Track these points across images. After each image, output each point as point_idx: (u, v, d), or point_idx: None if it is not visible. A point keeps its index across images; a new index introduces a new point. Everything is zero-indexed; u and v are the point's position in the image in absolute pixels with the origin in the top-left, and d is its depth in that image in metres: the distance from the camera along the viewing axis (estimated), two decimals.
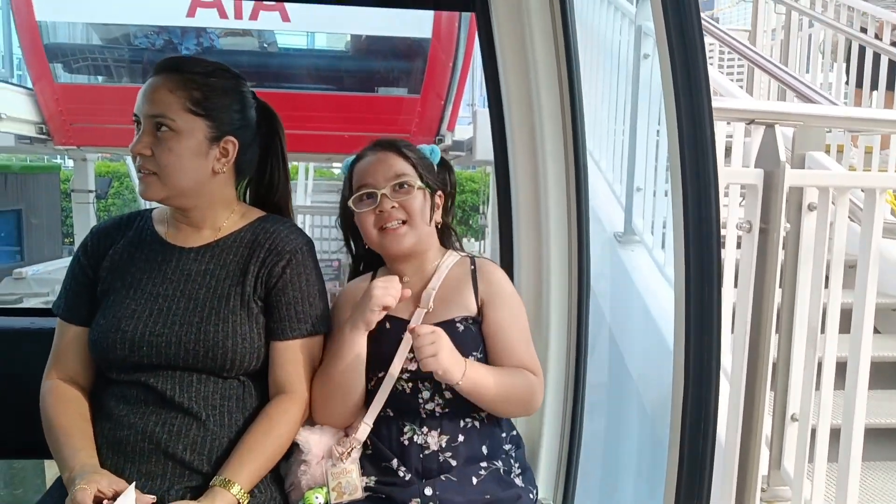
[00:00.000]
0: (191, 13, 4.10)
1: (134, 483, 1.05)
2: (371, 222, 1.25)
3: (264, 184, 1.33)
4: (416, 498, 1.17)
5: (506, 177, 1.58)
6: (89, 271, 1.23)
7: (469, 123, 5.72)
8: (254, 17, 4.20)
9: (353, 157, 1.33)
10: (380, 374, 1.24)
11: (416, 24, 4.32)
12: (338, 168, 13.79)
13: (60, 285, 1.29)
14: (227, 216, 1.25)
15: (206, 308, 1.16)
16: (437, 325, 1.22)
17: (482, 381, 1.18)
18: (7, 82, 4.63)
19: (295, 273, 1.21)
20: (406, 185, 1.25)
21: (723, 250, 1.73)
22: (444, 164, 1.37)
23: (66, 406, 1.16)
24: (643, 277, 2.51)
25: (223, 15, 4.18)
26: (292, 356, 1.21)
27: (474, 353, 1.24)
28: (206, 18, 4.18)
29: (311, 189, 10.55)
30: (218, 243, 1.22)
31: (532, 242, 1.55)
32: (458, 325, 1.24)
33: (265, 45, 4.55)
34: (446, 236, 1.37)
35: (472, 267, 1.31)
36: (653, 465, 2.17)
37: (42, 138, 4.53)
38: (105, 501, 1.02)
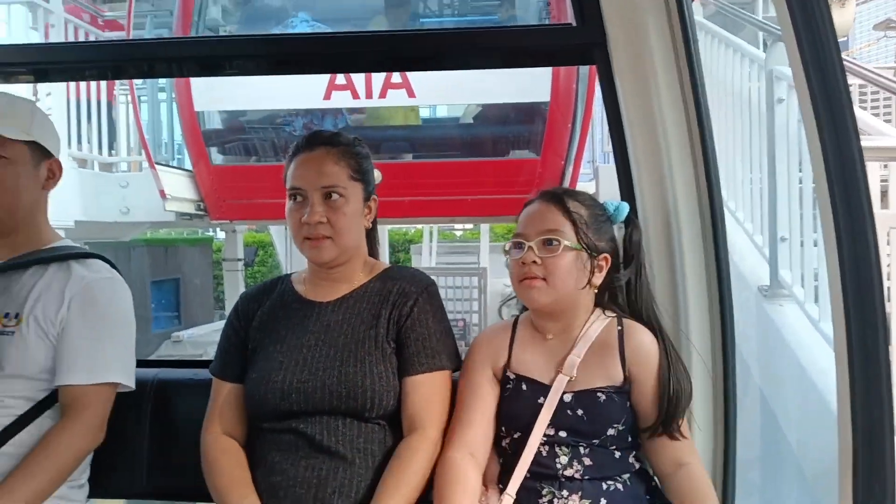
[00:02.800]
0: (327, 96, 4.48)
1: None
2: (515, 272, 1.24)
3: (370, 236, 1.43)
4: None
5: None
6: (241, 333, 1.36)
7: (590, 180, 5.67)
8: (382, 95, 4.50)
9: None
10: (514, 435, 1.23)
11: (534, 88, 4.42)
12: (459, 231, 14.18)
13: (212, 347, 1.42)
14: (361, 269, 1.37)
15: (344, 352, 1.26)
16: (577, 393, 1.20)
17: None
18: (170, 166, 5.23)
19: (422, 311, 1.30)
20: (555, 243, 1.21)
21: (887, 303, 1.57)
22: (630, 223, 1.31)
23: (227, 457, 1.27)
24: (795, 333, 2.32)
25: (355, 95, 4.52)
26: (421, 390, 1.26)
27: (615, 426, 1.19)
28: (341, 100, 4.54)
29: (436, 251, 10.87)
30: (352, 295, 1.33)
31: (668, 301, 1.46)
32: (599, 394, 1.20)
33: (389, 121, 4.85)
34: (609, 297, 1.30)
35: (620, 328, 1.25)
36: None
37: (200, 214, 5.06)
38: None
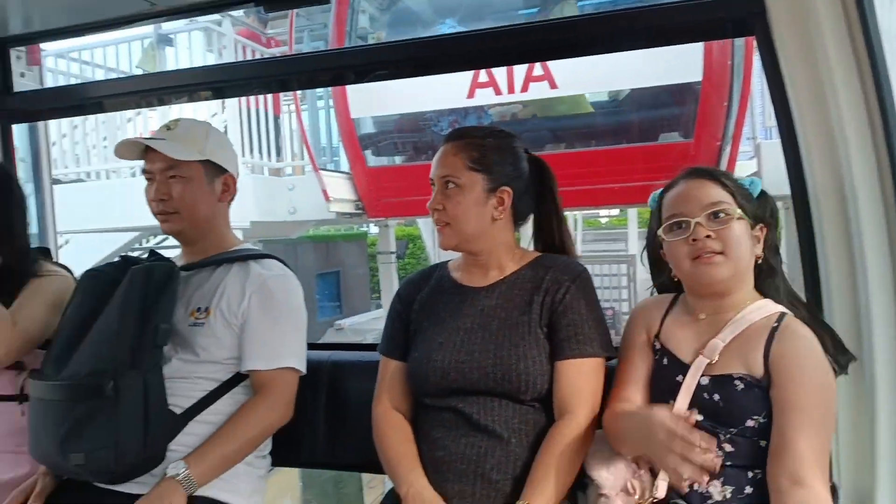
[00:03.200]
0: (470, 94, 4.59)
1: None
2: (684, 253, 1.19)
3: (544, 230, 1.48)
4: None
5: (806, 215, 1.40)
6: (404, 315, 1.47)
7: (751, 158, 5.27)
8: (524, 89, 4.50)
9: (660, 189, 1.30)
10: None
11: (684, 67, 4.18)
12: (605, 217, 13.76)
13: (370, 334, 1.54)
14: (510, 258, 1.41)
15: (499, 336, 1.32)
16: (714, 378, 1.16)
17: None
18: (330, 170, 5.63)
19: (574, 298, 1.32)
20: (723, 214, 1.18)
21: None
22: (764, 198, 1.26)
23: (395, 431, 1.38)
24: None
25: (498, 91, 4.57)
26: (572, 375, 1.29)
27: (755, 417, 1.12)
28: (484, 97, 4.62)
29: (581, 239, 10.68)
30: (504, 281, 1.39)
31: (845, 284, 1.33)
32: (736, 383, 1.14)
33: (535, 114, 4.84)
34: (767, 280, 1.24)
35: (776, 325, 1.16)
36: None
37: (358, 213, 5.42)
38: None
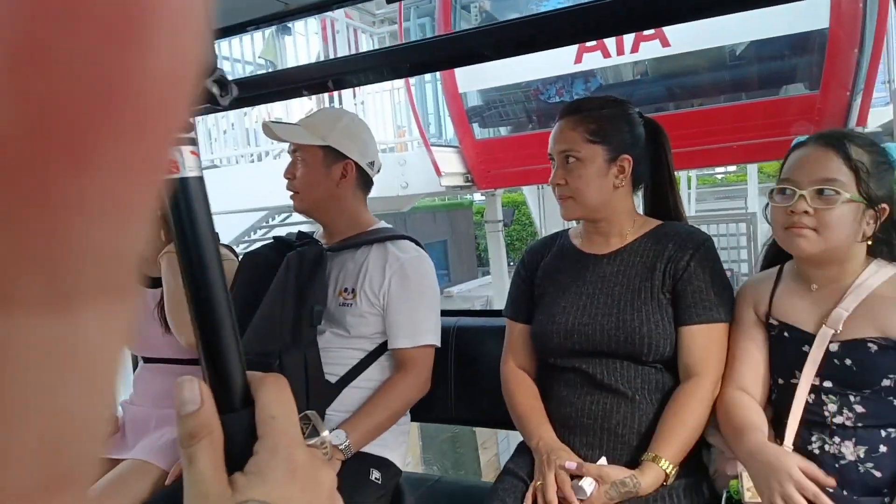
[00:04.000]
0: (578, 59, 4.51)
1: (574, 465, 1.29)
2: (780, 220, 1.19)
3: (657, 195, 1.51)
4: None
5: None
6: (528, 280, 1.56)
7: (886, 104, 4.86)
8: (634, 49, 4.36)
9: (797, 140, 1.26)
10: (779, 381, 1.25)
11: (808, 14, 3.88)
12: (721, 174, 12.98)
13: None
14: (630, 225, 1.45)
15: (621, 301, 1.37)
16: (845, 343, 1.16)
17: None
18: (439, 145, 5.77)
19: (699, 265, 1.34)
20: (830, 193, 1.13)
21: None
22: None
23: (523, 389, 1.48)
24: None
25: (606, 54, 4.46)
26: (697, 340, 1.33)
27: (890, 376, 1.13)
28: (592, 61, 4.53)
29: (695, 198, 10.22)
30: (625, 248, 1.43)
31: None
32: (869, 345, 1.14)
33: (646, 72, 4.70)
34: (880, 246, 1.21)
35: None
36: None
37: (468, 185, 5.55)
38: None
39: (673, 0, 1.63)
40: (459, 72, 4.90)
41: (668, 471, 1.25)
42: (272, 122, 1.74)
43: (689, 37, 4.20)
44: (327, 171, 1.70)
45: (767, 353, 1.29)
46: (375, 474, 1.60)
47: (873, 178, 1.15)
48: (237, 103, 2.20)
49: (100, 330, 0.11)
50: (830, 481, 1.13)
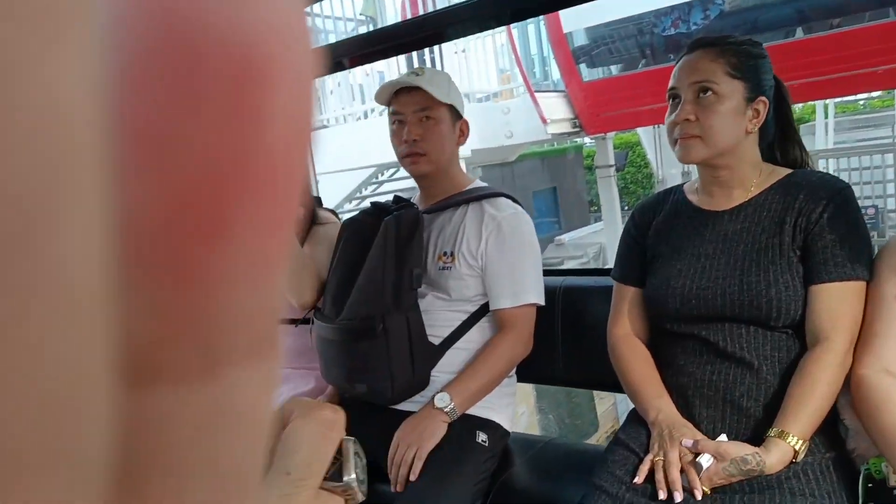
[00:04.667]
0: None
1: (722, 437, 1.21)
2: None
3: (782, 148, 1.36)
4: None
5: None
6: (640, 241, 1.45)
7: None
8: None
9: None
10: None
11: None
12: (863, 100, 11.65)
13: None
14: (756, 176, 1.30)
15: (745, 261, 1.24)
16: None
17: None
18: (543, 90, 5.57)
19: (833, 217, 1.19)
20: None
21: None
22: None
23: (636, 356, 1.40)
24: None
25: None
26: (828, 300, 1.18)
27: None
28: None
29: (833, 129, 9.27)
30: (750, 203, 1.29)
31: None
32: None
33: None
34: None
35: None
36: None
37: (576, 131, 5.34)
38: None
39: None
40: (564, 10, 4.65)
41: (796, 447, 1.13)
42: (393, 81, 1.70)
43: None
44: (452, 130, 1.68)
45: None
46: (482, 436, 1.60)
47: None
48: (345, 65, 2.21)
49: (250, 388, 0.12)
50: None
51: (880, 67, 3.73)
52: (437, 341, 1.64)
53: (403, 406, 1.64)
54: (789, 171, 1.31)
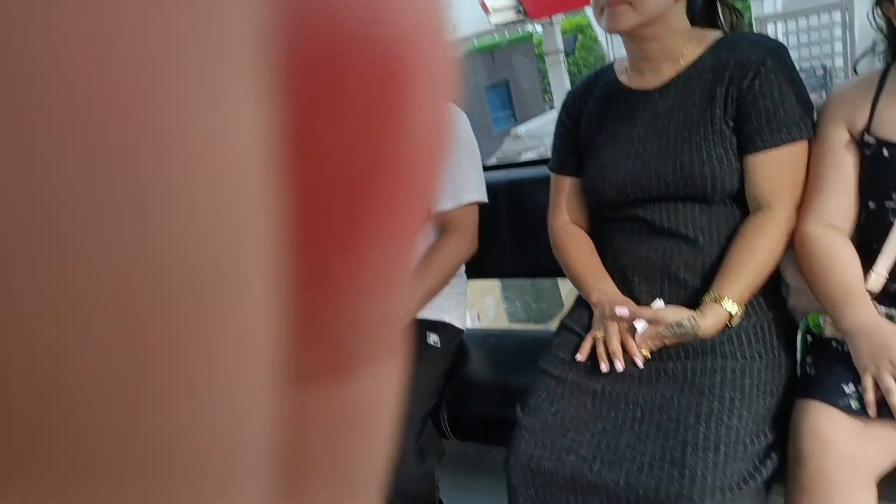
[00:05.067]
0: None
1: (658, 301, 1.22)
2: None
3: (706, 10, 1.30)
4: None
5: None
6: (572, 129, 1.41)
7: None
8: None
9: None
10: (870, 205, 1.10)
11: None
12: None
13: (548, 137, 1.51)
14: (685, 45, 1.24)
15: (677, 140, 1.21)
16: None
17: None
18: None
19: (765, 82, 1.15)
20: None
21: None
22: None
23: (577, 244, 1.39)
24: None
25: None
26: (767, 168, 1.17)
27: None
28: None
29: None
30: (680, 77, 1.24)
31: None
32: None
33: None
34: None
35: None
36: None
37: (520, 19, 5.11)
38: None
39: None
40: None
41: (731, 311, 1.15)
42: None
43: None
44: None
45: (857, 177, 1.12)
46: (433, 338, 1.61)
47: None
48: None
49: (379, 388, 0.13)
50: None
51: None
52: None
53: None
54: (719, 35, 1.25)
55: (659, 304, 1.22)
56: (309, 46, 0.09)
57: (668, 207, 1.24)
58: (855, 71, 1.29)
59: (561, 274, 1.52)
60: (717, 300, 1.15)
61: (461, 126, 1.59)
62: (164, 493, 0.08)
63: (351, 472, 0.13)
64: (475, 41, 9.31)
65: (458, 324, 1.69)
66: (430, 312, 1.62)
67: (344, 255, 0.10)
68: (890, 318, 1.07)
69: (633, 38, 1.26)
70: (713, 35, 1.26)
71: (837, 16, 7.06)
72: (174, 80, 0.07)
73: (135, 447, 0.08)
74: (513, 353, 1.74)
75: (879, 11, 1.12)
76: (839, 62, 7.06)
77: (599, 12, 1.22)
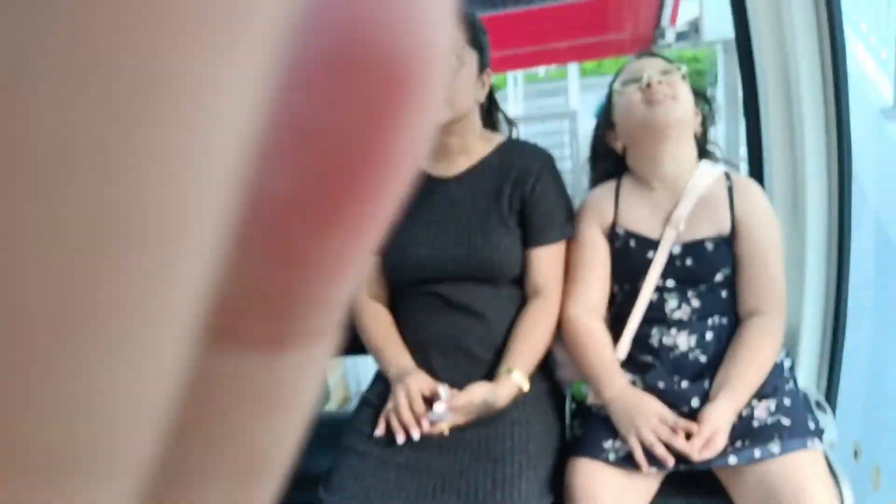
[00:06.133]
0: None
1: (446, 386, 1.28)
2: (637, 99, 1.27)
3: (489, 115, 1.48)
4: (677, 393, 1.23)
5: (748, 54, 1.46)
6: None
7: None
8: None
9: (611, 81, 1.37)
10: (625, 287, 1.31)
11: None
12: (543, 70, 13.41)
13: None
14: (478, 143, 1.41)
15: (471, 227, 1.35)
16: (686, 245, 1.25)
17: (745, 398, 1.17)
18: None
19: (544, 187, 1.35)
20: (673, 73, 1.28)
21: None
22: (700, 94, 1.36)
23: (377, 319, 1.43)
24: None
25: None
26: (545, 260, 1.35)
27: (723, 271, 1.25)
28: None
29: (522, 96, 10.51)
30: (472, 170, 1.39)
31: (783, 125, 1.44)
32: (707, 244, 1.25)
33: None
34: (703, 151, 1.34)
35: (729, 184, 1.28)
36: None
37: None
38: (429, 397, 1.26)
39: None
40: None
41: (521, 382, 1.28)
42: None
43: None
44: None
45: (611, 265, 1.34)
46: None
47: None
48: None
49: (305, 371, 0.12)
50: (684, 424, 1.19)
51: (563, 43, 4.33)
52: None
53: None
54: (503, 139, 1.44)
55: (443, 393, 1.26)
56: (327, 33, 0.10)
57: (463, 286, 1.35)
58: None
59: (352, 352, 1.52)
60: (509, 372, 1.27)
61: None
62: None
63: (251, 459, 0.12)
64: None
65: None
66: None
67: (315, 237, 0.11)
68: (633, 383, 1.27)
69: (440, 131, 1.37)
70: (498, 138, 1.44)
71: (566, 123, 8.41)
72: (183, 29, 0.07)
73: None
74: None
75: (601, 136, 1.40)
76: (568, 165, 8.37)
77: None
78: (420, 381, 1.28)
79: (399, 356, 1.35)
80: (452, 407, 1.24)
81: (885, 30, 2.57)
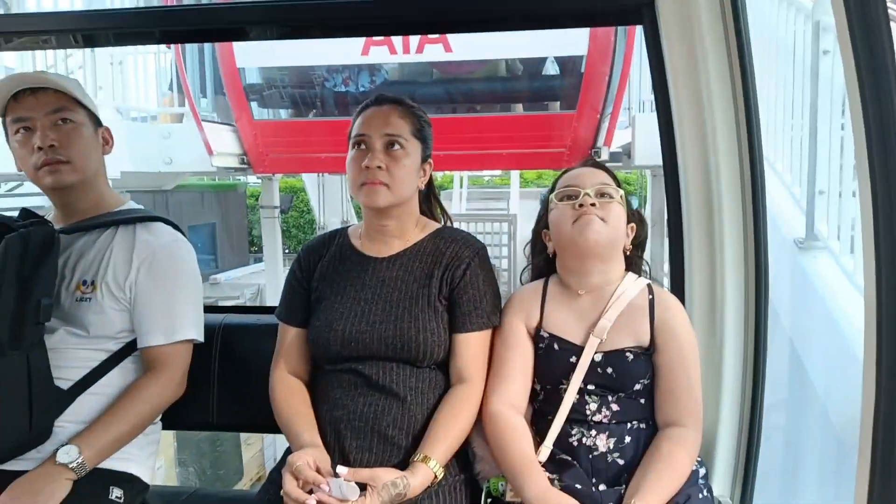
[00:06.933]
0: (365, 52, 4.49)
1: (345, 470, 1.21)
2: (568, 215, 1.31)
3: (427, 201, 1.54)
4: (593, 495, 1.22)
5: (675, 181, 1.57)
6: (304, 283, 1.45)
7: (626, 128, 5.61)
8: (419, 50, 4.47)
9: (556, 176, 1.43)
10: (547, 387, 1.33)
11: (572, 42, 4.35)
12: (488, 176, 14.08)
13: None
14: (413, 228, 1.44)
15: (399, 308, 1.35)
16: (607, 354, 1.29)
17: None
18: (211, 121, 5.31)
19: (474, 275, 1.38)
20: (609, 195, 1.32)
21: None
22: (636, 210, 1.43)
23: (292, 394, 1.38)
24: (828, 286, 2.35)
25: (393, 51, 4.52)
26: (471, 346, 1.36)
27: (642, 381, 1.29)
28: (379, 55, 4.55)
29: (467, 197, 10.88)
30: (405, 252, 1.41)
31: (704, 248, 1.53)
32: (627, 354, 1.29)
33: (430, 73, 4.82)
34: (631, 262, 1.40)
35: (651, 297, 1.33)
36: (838, 475, 2.06)
37: (243, 167, 5.18)
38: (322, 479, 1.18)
39: (463, 11, 1.68)
40: (239, 45, 4.55)
41: (436, 471, 1.25)
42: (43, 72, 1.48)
43: (469, 45, 4.43)
44: (96, 137, 1.49)
45: (533, 364, 1.36)
46: (116, 493, 1.38)
47: (626, 203, 1.37)
48: None
49: None
50: None
51: (506, 150, 4.56)
52: (66, 385, 1.38)
53: (15, 465, 1.33)
54: (438, 226, 1.48)
55: (342, 470, 1.21)
56: None
57: (385, 366, 1.33)
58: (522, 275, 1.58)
59: (268, 429, 1.45)
60: (425, 460, 1.24)
61: (186, 256, 1.51)
62: None
63: None
64: (187, 177, 9.04)
65: (145, 477, 1.48)
66: (114, 462, 1.40)
67: None
68: (552, 482, 1.26)
69: (379, 214, 1.41)
70: (433, 225, 1.47)
71: (506, 226, 8.72)
72: None
73: None
74: None
75: (538, 232, 1.45)
76: (505, 264, 8.60)
77: (358, 188, 1.36)
78: (308, 455, 1.22)
79: (304, 432, 1.30)
80: (356, 478, 1.18)
81: (799, 170, 2.83)
